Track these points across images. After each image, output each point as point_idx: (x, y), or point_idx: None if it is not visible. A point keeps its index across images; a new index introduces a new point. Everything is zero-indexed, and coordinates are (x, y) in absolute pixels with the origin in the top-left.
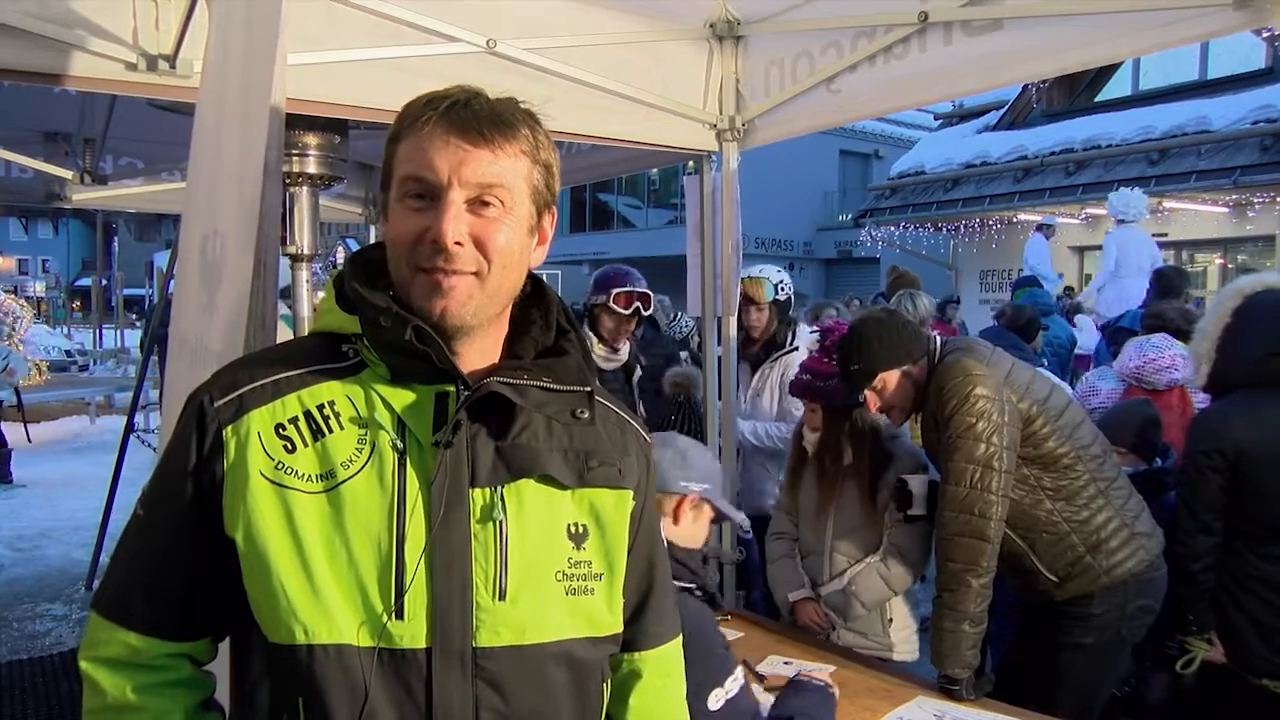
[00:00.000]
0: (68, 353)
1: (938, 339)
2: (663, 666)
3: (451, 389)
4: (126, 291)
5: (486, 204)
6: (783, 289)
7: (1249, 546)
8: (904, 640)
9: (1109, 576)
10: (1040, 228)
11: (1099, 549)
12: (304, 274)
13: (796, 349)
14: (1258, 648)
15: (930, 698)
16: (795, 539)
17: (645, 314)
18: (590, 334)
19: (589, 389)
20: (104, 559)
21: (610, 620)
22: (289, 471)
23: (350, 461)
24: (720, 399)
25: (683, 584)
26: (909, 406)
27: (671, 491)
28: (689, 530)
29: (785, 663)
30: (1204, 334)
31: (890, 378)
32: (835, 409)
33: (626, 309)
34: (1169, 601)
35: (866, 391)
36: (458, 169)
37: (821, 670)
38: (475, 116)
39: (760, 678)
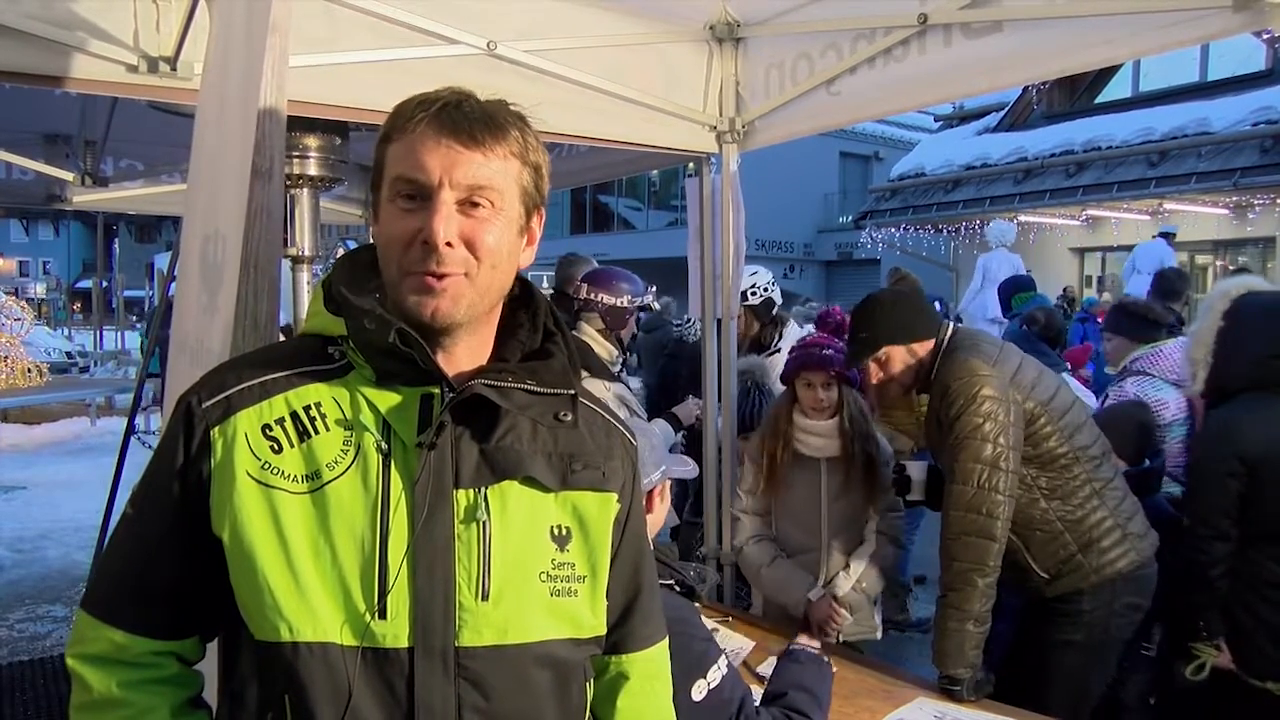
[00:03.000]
0: (68, 354)
1: (951, 326)
2: (650, 668)
3: (436, 391)
4: (127, 293)
5: (477, 205)
6: (755, 293)
7: (1262, 551)
8: (879, 622)
9: (1099, 575)
10: (1164, 234)
11: (1091, 548)
12: (305, 276)
13: (780, 350)
14: (1269, 652)
15: (930, 698)
16: (774, 539)
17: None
18: (612, 343)
19: (572, 391)
20: None
21: (593, 622)
22: (275, 472)
23: (336, 462)
24: (720, 402)
25: (660, 581)
26: (908, 384)
27: None
28: (658, 515)
29: None
30: (1198, 339)
31: (895, 352)
32: (848, 384)
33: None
34: (1163, 602)
35: (869, 362)
36: (449, 170)
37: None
38: (466, 118)
39: (761, 679)
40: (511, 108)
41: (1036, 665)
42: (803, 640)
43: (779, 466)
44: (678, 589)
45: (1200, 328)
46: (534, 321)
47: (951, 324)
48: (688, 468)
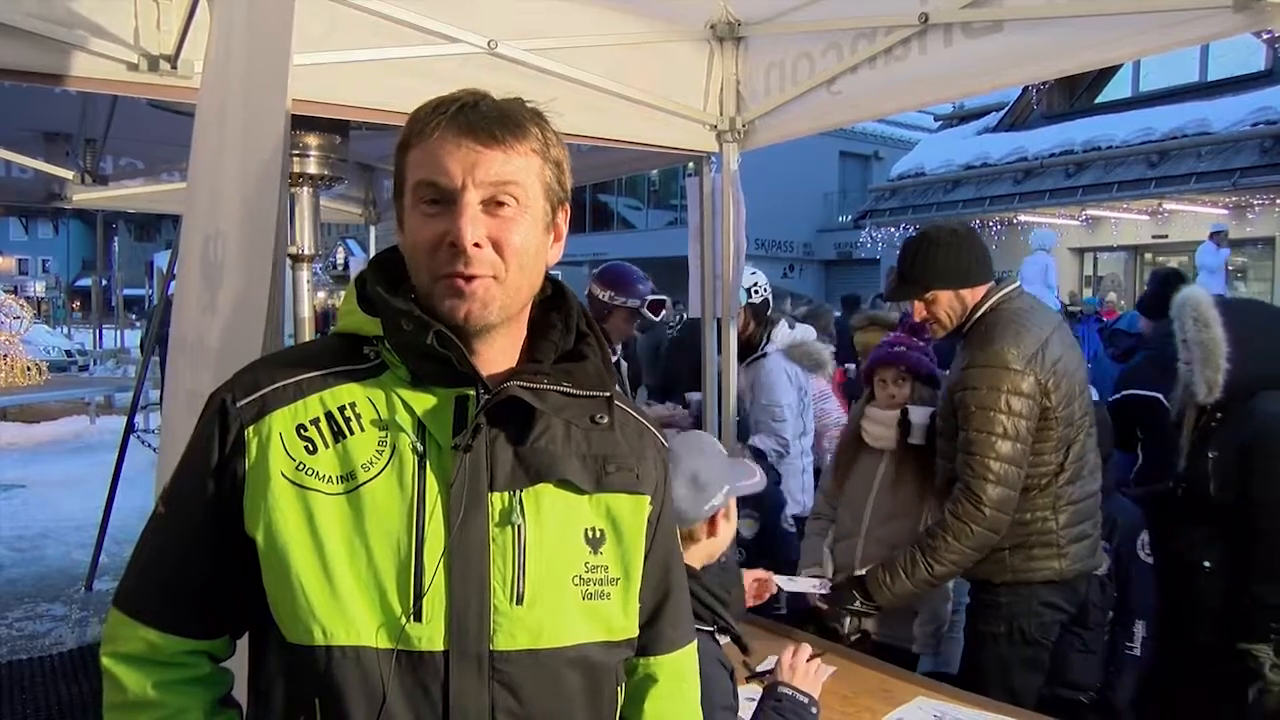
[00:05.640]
0: (68, 353)
1: (1011, 287)
2: (678, 671)
3: (471, 392)
4: (126, 292)
5: (501, 204)
6: (755, 292)
7: None
8: (927, 635)
9: (1014, 575)
10: (1213, 235)
11: (1019, 551)
12: (304, 274)
13: (767, 355)
14: None
15: (930, 698)
16: (832, 520)
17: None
18: None
19: (608, 394)
20: (104, 559)
21: (626, 624)
22: (310, 472)
23: (371, 463)
24: (720, 400)
25: (702, 626)
26: (951, 326)
27: (699, 519)
28: (724, 536)
29: None
30: (1211, 349)
31: (942, 295)
32: (922, 378)
33: (657, 315)
34: (1149, 601)
35: (915, 301)
36: (471, 170)
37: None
38: (484, 118)
39: (761, 678)
40: (529, 105)
41: (971, 658)
42: (793, 660)
43: (845, 454)
44: (718, 637)
45: (1206, 336)
46: (566, 323)
47: (1016, 285)
48: (754, 479)
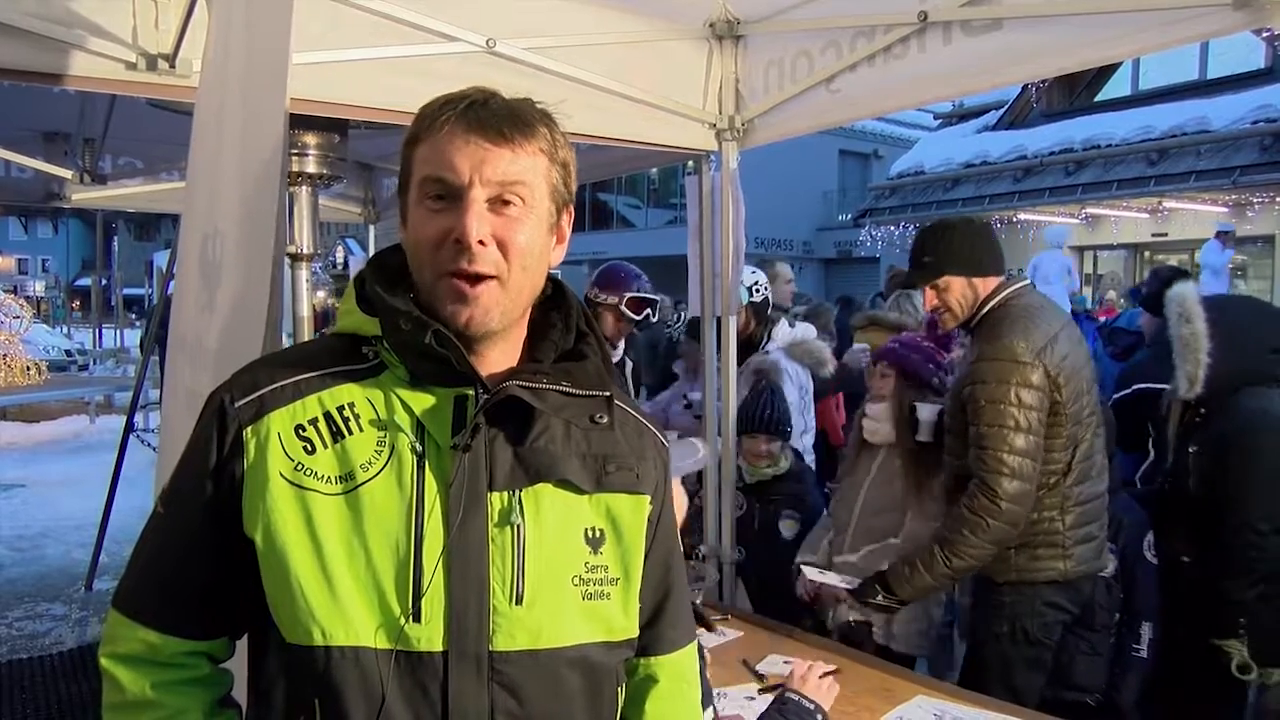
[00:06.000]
0: (67, 352)
1: (1023, 283)
2: (678, 671)
3: (470, 392)
4: (126, 291)
5: (507, 202)
6: (757, 290)
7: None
8: (909, 634)
9: (1018, 574)
10: (1219, 234)
11: (1024, 550)
12: (304, 273)
13: (768, 353)
14: None
15: (930, 696)
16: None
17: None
18: None
19: (608, 394)
20: (103, 559)
21: (626, 625)
22: (308, 473)
23: (369, 464)
24: (721, 400)
25: None
26: (962, 316)
27: None
28: None
29: (785, 662)
30: (1191, 344)
31: (955, 282)
32: (908, 378)
33: (637, 314)
34: (1153, 602)
35: (926, 288)
36: (479, 168)
37: (816, 669)
38: (494, 116)
39: (760, 677)
40: (538, 105)
41: (974, 658)
42: (805, 673)
43: (852, 452)
44: None
45: (1188, 332)
46: (566, 322)
47: (1027, 282)
48: (697, 456)
